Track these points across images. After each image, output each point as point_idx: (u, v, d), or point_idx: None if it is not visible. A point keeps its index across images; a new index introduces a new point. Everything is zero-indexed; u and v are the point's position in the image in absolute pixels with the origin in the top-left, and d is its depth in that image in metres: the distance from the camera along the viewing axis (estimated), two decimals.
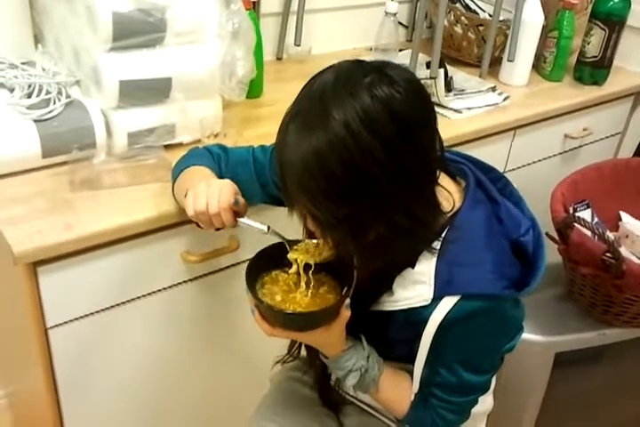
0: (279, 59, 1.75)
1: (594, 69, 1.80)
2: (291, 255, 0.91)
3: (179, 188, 1.02)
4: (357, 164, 0.74)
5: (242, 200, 0.92)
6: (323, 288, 0.93)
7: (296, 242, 0.92)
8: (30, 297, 1.03)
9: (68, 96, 1.16)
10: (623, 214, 1.70)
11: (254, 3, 1.43)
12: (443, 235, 0.87)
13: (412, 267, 0.88)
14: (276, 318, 0.88)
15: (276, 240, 0.93)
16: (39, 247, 0.98)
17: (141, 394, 1.29)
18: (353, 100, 0.74)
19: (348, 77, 0.77)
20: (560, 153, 1.84)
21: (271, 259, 0.93)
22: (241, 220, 0.91)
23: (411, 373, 0.98)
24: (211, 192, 0.90)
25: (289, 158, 0.77)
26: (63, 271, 1.04)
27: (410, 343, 0.94)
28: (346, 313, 0.89)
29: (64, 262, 1.03)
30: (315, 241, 0.92)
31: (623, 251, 1.47)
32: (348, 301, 0.89)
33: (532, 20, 1.67)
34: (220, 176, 1.03)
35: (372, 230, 0.81)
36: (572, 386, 1.57)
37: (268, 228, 0.90)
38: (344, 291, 0.89)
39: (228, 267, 1.23)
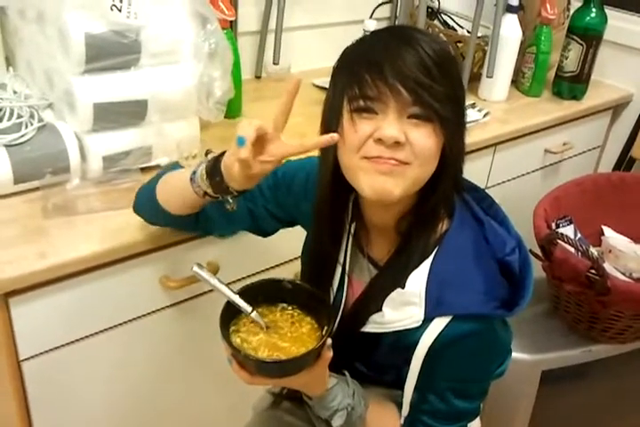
0: (258, 77, 1.74)
1: (572, 84, 1.81)
2: (267, 340, 0.88)
3: (168, 184, 0.96)
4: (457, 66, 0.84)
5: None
6: (303, 327, 0.90)
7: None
8: (1, 329, 0.99)
9: (40, 120, 1.14)
10: (606, 229, 1.70)
11: (231, 22, 1.42)
12: (433, 254, 0.85)
13: (403, 287, 0.86)
14: (255, 366, 0.84)
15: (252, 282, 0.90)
16: (11, 278, 0.95)
17: (120, 424, 1.25)
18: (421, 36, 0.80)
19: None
20: (541, 168, 1.84)
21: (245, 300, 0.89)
22: (232, 298, 0.86)
23: (395, 399, 0.95)
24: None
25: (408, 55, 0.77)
26: (37, 301, 1.00)
27: (398, 369, 0.91)
28: (327, 354, 0.86)
29: (37, 292, 1.00)
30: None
31: (607, 266, 1.46)
32: (329, 341, 0.86)
33: (511, 35, 1.68)
34: None
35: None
36: (560, 403, 1.56)
37: (252, 310, 0.87)
38: (324, 331, 0.85)
39: (208, 291, 1.20)
